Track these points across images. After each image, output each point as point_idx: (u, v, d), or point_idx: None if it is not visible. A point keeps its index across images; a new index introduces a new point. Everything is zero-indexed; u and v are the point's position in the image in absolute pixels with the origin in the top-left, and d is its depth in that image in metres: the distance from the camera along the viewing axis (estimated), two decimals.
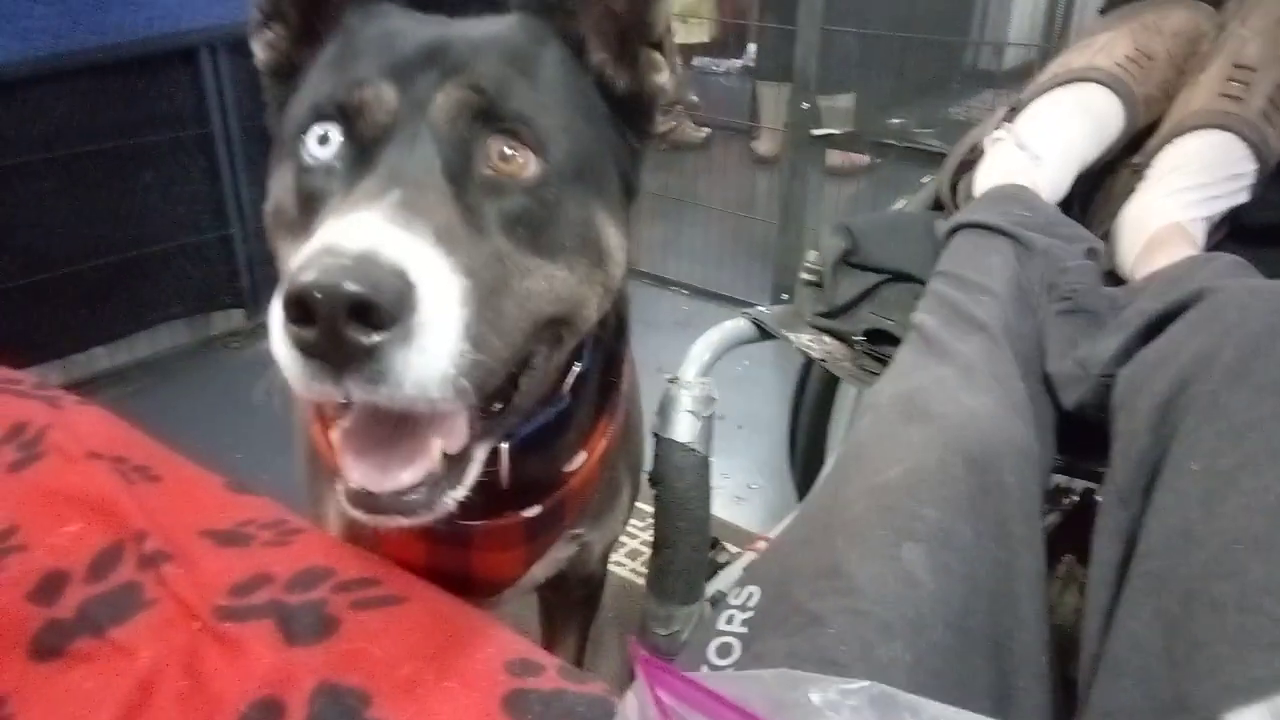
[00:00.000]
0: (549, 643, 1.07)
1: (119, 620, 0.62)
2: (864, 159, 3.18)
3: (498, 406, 0.61)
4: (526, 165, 0.58)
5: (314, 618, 0.61)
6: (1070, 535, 0.97)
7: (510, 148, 0.58)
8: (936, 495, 0.70)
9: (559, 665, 0.61)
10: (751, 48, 4.64)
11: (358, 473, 0.54)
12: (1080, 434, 0.87)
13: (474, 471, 0.59)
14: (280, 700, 0.56)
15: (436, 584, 0.69)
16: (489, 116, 0.58)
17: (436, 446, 0.55)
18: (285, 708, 0.55)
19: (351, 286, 0.45)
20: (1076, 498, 1.11)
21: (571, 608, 1.05)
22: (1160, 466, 0.67)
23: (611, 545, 0.95)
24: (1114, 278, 1.08)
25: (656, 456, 1.01)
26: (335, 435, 0.56)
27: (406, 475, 0.54)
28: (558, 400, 0.72)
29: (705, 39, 4.04)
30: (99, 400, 0.94)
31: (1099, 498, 0.76)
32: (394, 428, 0.55)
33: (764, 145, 3.57)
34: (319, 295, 0.45)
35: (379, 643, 0.59)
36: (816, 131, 2.51)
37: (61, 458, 0.77)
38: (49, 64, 1.90)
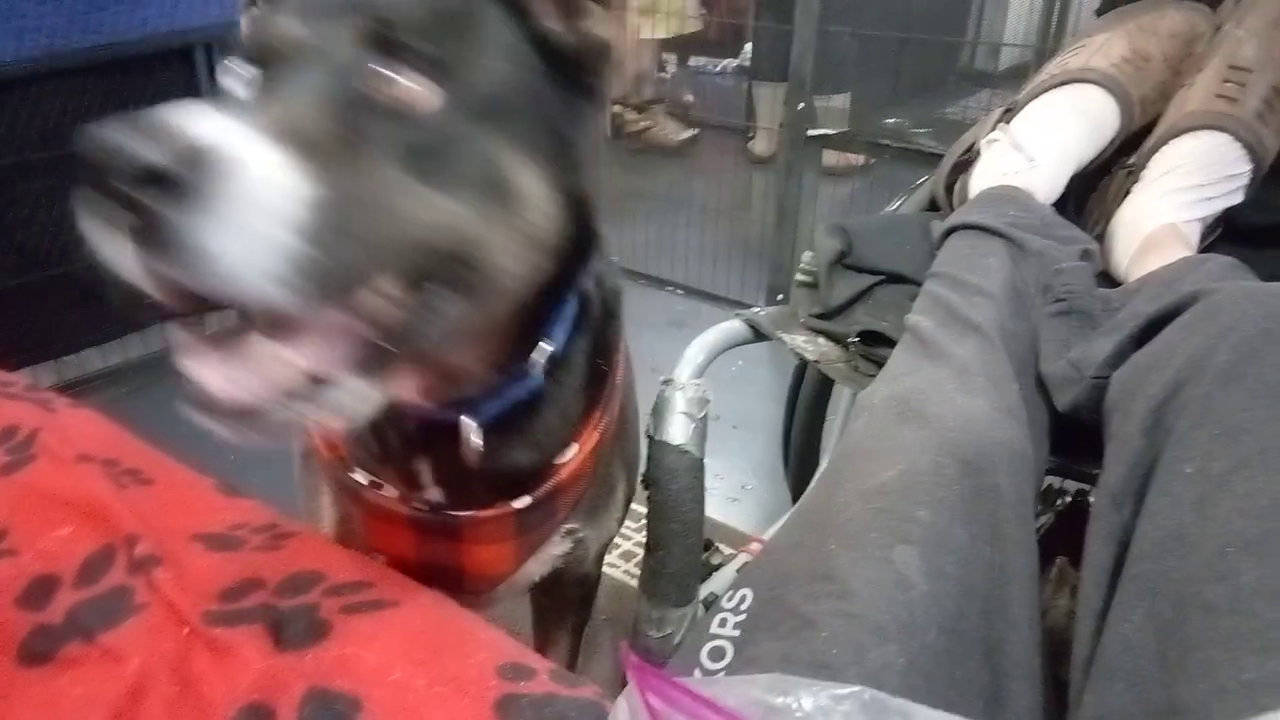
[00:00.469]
0: (542, 644, 1.07)
1: (109, 625, 0.62)
2: (859, 158, 3.17)
3: (384, 339, 0.57)
4: (426, 97, 0.57)
5: (305, 622, 0.61)
6: (1063, 537, 0.97)
7: (410, 79, 0.57)
8: (930, 497, 0.70)
9: (550, 669, 0.60)
10: (748, 47, 4.64)
11: (197, 370, 0.52)
12: (1074, 435, 0.87)
13: (346, 402, 0.56)
14: (270, 706, 0.55)
15: (430, 577, 0.69)
16: (392, 46, 0.57)
17: (289, 358, 0.53)
18: (275, 713, 0.55)
19: (138, 145, 0.44)
20: (1069, 499, 1.10)
21: (565, 609, 1.05)
22: (1154, 469, 0.67)
23: (607, 544, 0.94)
24: (1109, 279, 1.08)
25: (650, 458, 1.01)
26: (179, 334, 0.54)
27: (249, 379, 0.52)
28: (522, 375, 0.70)
29: (678, 33, 3.89)
30: (92, 401, 0.94)
31: (1092, 499, 0.76)
32: (252, 337, 0.54)
33: (760, 145, 3.57)
34: (103, 153, 0.44)
35: (370, 647, 0.59)
36: (812, 132, 2.51)
37: (52, 461, 0.77)
38: (44, 63, 1.89)
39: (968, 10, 3.91)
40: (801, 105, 2.46)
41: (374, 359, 0.57)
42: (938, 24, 3.47)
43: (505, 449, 0.72)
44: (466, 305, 0.61)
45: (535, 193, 0.62)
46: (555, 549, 0.84)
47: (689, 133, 3.87)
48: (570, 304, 0.72)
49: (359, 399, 0.57)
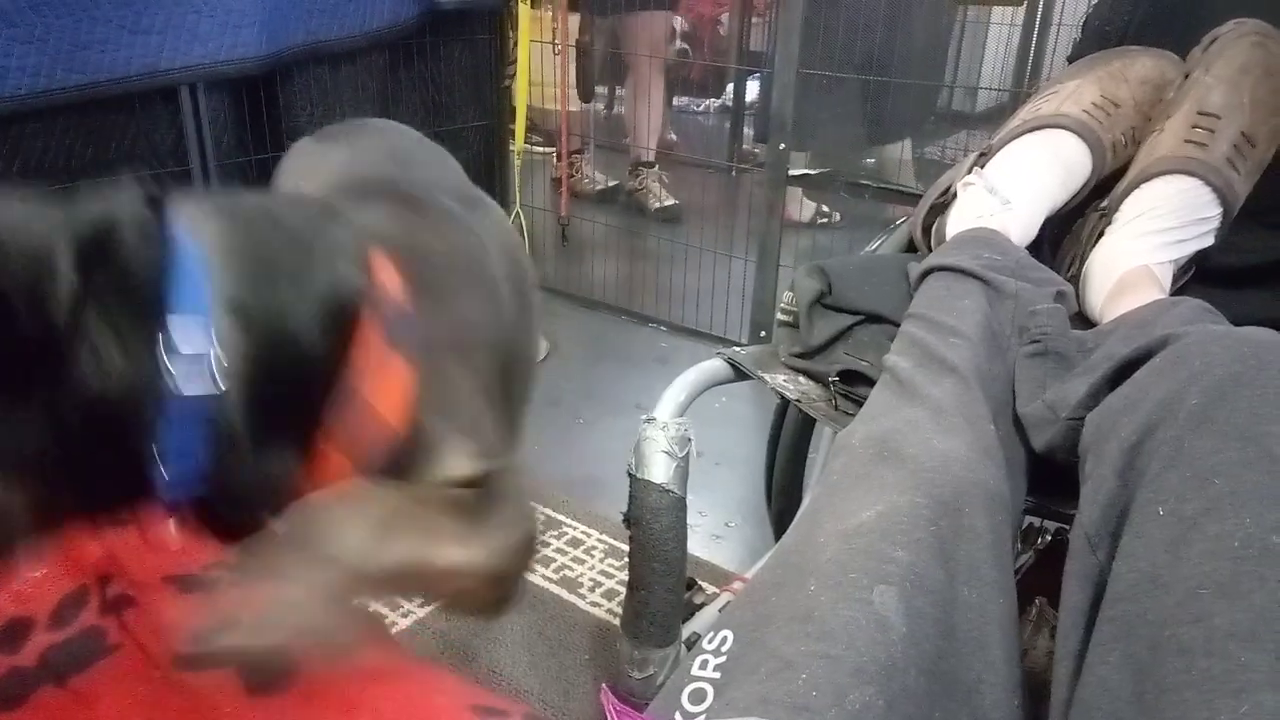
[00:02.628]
0: None
1: (80, 668, 0.61)
2: (823, 215, 3.16)
3: None
4: None
5: (276, 666, 0.60)
6: (1042, 578, 0.97)
7: None
8: (908, 538, 0.70)
9: (525, 711, 0.60)
10: (729, 88, 4.71)
11: None
12: (1052, 475, 0.87)
13: None
14: None
15: None
16: None
17: None
18: None
19: None
20: (1049, 538, 1.11)
21: None
22: (1128, 511, 0.67)
23: None
24: (1083, 320, 1.09)
25: (632, 497, 1.01)
26: None
27: None
28: None
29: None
30: None
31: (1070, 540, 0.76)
32: None
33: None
34: None
35: (342, 690, 0.59)
36: (794, 171, 2.54)
37: None
38: (28, 102, 1.89)
39: (945, 55, 3.98)
40: (782, 146, 2.50)
41: None
42: (917, 67, 3.53)
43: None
44: None
45: None
46: None
47: (670, 201, 3.74)
48: None
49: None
